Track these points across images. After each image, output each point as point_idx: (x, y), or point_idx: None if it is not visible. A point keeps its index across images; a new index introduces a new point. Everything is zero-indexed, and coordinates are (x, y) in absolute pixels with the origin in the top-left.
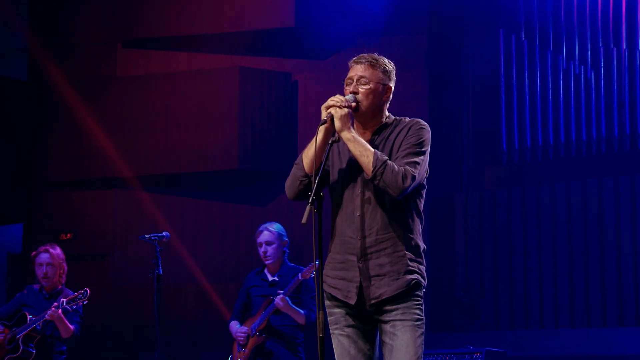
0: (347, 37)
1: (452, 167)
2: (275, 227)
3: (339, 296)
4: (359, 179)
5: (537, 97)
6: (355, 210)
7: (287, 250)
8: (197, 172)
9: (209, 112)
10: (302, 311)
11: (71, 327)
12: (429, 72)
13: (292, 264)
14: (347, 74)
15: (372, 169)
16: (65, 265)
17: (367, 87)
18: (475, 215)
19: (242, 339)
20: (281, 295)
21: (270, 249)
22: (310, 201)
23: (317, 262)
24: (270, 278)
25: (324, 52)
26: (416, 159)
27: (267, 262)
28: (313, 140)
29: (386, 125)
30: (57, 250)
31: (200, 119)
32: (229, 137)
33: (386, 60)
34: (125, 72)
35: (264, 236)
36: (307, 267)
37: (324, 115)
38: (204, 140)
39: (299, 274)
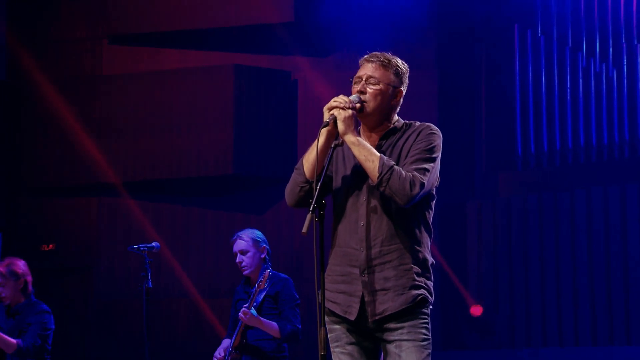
0: (351, 33)
1: (464, 172)
2: (249, 233)
3: (338, 311)
4: (364, 186)
5: (554, 97)
6: (359, 220)
7: (268, 257)
8: (189, 178)
9: (202, 113)
10: (275, 323)
11: (13, 340)
12: (439, 70)
13: (274, 272)
14: (355, 72)
15: (377, 174)
16: (27, 278)
17: (375, 87)
18: (489, 225)
19: None
20: (243, 309)
21: (246, 259)
22: (311, 209)
23: (270, 270)
24: (252, 289)
25: (326, 48)
26: (426, 166)
27: (245, 273)
28: (314, 144)
29: (394, 129)
30: (12, 267)
31: (193, 120)
32: (224, 140)
33: (400, 62)
34: (112, 70)
35: (238, 245)
36: (260, 278)
37: (326, 117)
38: (197, 143)
39: (256, 285)
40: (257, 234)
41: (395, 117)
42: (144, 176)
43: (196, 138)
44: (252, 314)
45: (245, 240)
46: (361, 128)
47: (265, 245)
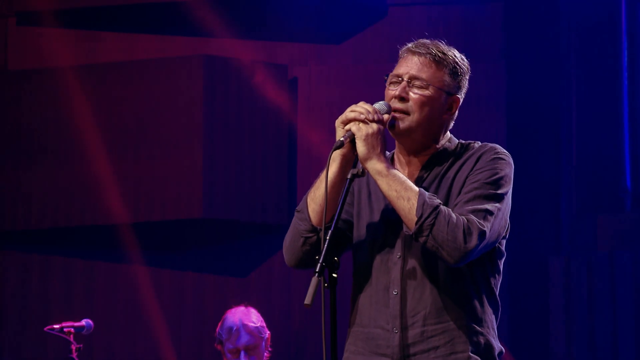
0: (375, 7)
1: (545, 216)
2: (253, 318)
3: None
4: (399, 238)
5: None
6: (391, 286)
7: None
8: (138, 224)
9: (158, 126)
10: None
11: None
12: (507, 61)
13: None
14: (388, 68)
15: (416, 218)
16: None
17: (422, 93)
18: (582, 292)
19: None
20: None
21: (253, 357)
22: (317, 269)
23: None
24: None
25: (339, 32)
26: (488, 206)
27: None
28: (323, 174)
29: (444, 153)
30: None
31: (144, 137)
32: (189, 169)
33: (458, 57)
34: (23, 64)
35: (243, 338)
36: None
37: (340, 134)
38: (149, 172)
39: None
40: (259, 315)
41: (447, 135)
42: (71, 221)
43: (148, 166)
44: None
45: (251, 329)
46: (395, 151)
47: (269, 332)
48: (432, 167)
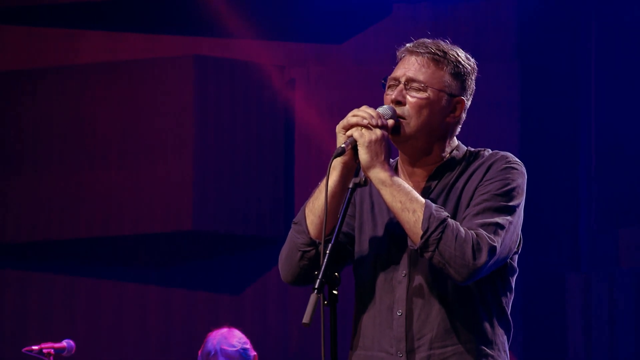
0: (379, 5)
1: (562, 230)
2: (233, 342)
3: None
4: (404, 254)
5: None
6: (395, 306)
7: None
8: (123, 237)
9: (145, 131)
10: None
11: None
12: (520, 61)
13: None
14: (388, 70)
15: (421, 232)
16: None
17: (420, 96)
18: (603, 309)
19: None
20: None
21: None
22: (316, 286)
23: None
24: None
25: (339, 31)
26: (499, 220)
27: None
28: (323, 184)
29: (452, 162)
30: None
31: (130, 144)
32: (178, 177)
33: (462, 55)
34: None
35: None
36: None
37: (340, 140)
38: (135, 182)
39: None
40: (242, 337)
41: (455, 141)
42: (49, 234)
43: (134, 175)
44: None
45: (232, 354)
46: (399, 160)
47: (254, 353)
48: (440, 177)
